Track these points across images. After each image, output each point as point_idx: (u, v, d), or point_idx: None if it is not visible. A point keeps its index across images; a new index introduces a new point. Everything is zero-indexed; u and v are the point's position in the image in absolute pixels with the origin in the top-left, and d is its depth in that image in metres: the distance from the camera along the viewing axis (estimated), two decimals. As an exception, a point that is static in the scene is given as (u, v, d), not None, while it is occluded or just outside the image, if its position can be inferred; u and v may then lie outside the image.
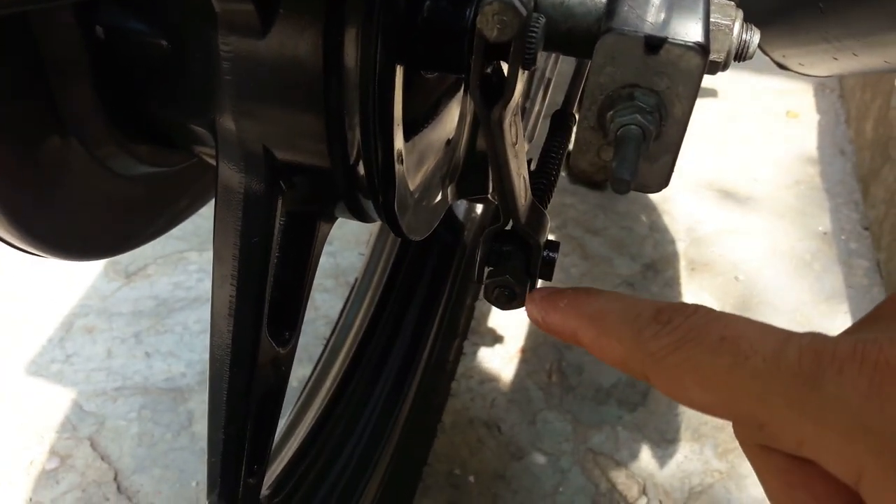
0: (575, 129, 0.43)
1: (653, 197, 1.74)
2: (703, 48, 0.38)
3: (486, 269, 0.47)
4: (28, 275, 1.44)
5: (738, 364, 0.30)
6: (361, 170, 0.45)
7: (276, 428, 0.57)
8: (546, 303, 0.41)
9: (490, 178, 0.65)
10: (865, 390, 0.27)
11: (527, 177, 0.46)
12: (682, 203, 1.73)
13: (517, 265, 0.46)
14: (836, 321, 1.44)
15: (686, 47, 0.37)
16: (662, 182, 0.42)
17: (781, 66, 0.91)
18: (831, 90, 2.29)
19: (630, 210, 1.70)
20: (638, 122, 0.38)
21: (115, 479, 1.11)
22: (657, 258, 1.58)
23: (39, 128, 0.46)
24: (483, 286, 0.46)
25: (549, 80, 0.81)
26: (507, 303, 0.45)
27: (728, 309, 1.43)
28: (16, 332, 1.33)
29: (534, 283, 0.46)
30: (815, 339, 0.30)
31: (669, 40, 0.37)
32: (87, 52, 0.44)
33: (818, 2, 0.65)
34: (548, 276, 0.47)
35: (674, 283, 1.51)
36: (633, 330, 0.34)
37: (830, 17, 0.65)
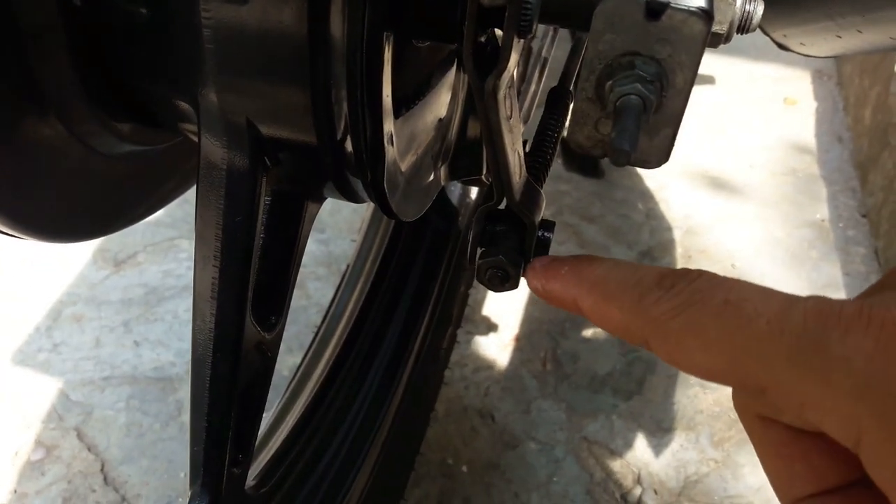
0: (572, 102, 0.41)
1: (649, 184, 1.73)
2: (706, 13, 0.36)
3: (479, 250, 0.45)
4: (15, 262, 1.42)
5: (741, 326, 0.29)
6: (349, 146, 0.43)
7: (262, 416, 0.55)
8: (547, 271, 0.40)
9: (484, 159, 0.63)
10: (871, 350, 0.26)
11: (521, 152, 0.45)
12: (678, 190, 1.72)
13: (511, 245, 0.44)
14: (833, 309, 1.43)
15: (689, 12, 0.35)
16: (662, 156, 0.40)
17: (782, 47, 0.89)
18: (829, 77, 2.28)
19: (626, 198, 1.68)
20: (638, 91, 0.36)
21: (102, 470, 1.09)
22: (654, 246, 1.56)
23: (15, 103, 0.43)
24: (475, 267, 0.44)
25: (546, 60, 0.79)
26: (500, 284, 0.44)
27: (724, 297, 1.42)
28: (2, 320, 1.31)
29: (527, 264, 0.45)
30: (821, 301, 0.29)
31: (672, 5, 0.35)
32: (62, 20, 0.42)
33: (822, -22, 0.64)
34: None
35: (670, 270, 1.50)
36: (634, 295, 0.33)
37: (835, -7, 0.63)
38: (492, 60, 0.38)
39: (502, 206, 0.45)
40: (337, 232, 1.55)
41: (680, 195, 1.70)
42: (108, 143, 0.51)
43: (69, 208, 0.53)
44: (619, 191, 1.71)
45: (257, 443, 0.54)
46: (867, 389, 0.26)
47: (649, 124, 0.38)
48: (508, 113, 0.41)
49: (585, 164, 1.74)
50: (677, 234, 1.60)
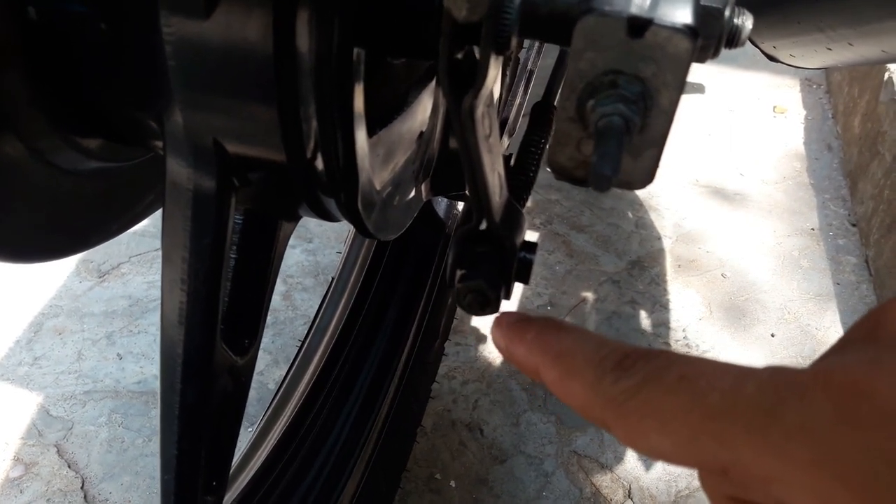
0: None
1: (639, 193, 1.71)
2: (692, 31, 0.34)
3: (458, 273, 0.43)
4: (-7, 274, 1.40)
5: (695, 402, 0.28)
6: (321, 165, 0.41)
7: (237, 441, 0.53)
8: (512, 332, 0.38)
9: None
10: (832, 416, 0.25)
11: (502, 172, 0.43)
12: (668, 199, 1.71)
13: (491, 268, 0.42)
14: (824, 318, 1.42)
15: (674, 30, 0.34)
16: (647, 178, 0.38)
17: (771, 59, 0.87)
18: (818, 85, 2.27)
19: (616, 206, 1.67)
20: (621, 112, 0.34)
21: (83, 487, 1.07)
22: (643, 255, 1.55)
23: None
24: (455, 291, 0.42)
25: (532, 72, 0.78)
26: (481, 309, 0.42)
27: (715, 307, 1.41)
28: (-19, 333, 1.29)
29: (508, 288, 0.43)
30: (776, 370, 0.28)
31: (655, 22, 0.34)
32: (18, 34, 0.40)
33: (812, -11, 0.62)
34: (524, 279, 0.44)
35: (660, 280, 1.48)
36: (595, 374, 0.32)
37: (825, 5, 0.62)
38: (469, 77, 0.37)
39: (482, 226, 0.43)
40: (325, 241, 1.53)
41: (670, 204, 1.69)
42: (73, 159, 0.49)
43: (34, 228, 0.51)
44: (608, 199, 1.70)
45: (238, 463, 0.52)
46: (830, 458, 0.24)
47: (633, 145, 0.37)
48: (487, 132, 0.40)
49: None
50: (667, 244, 1.58)
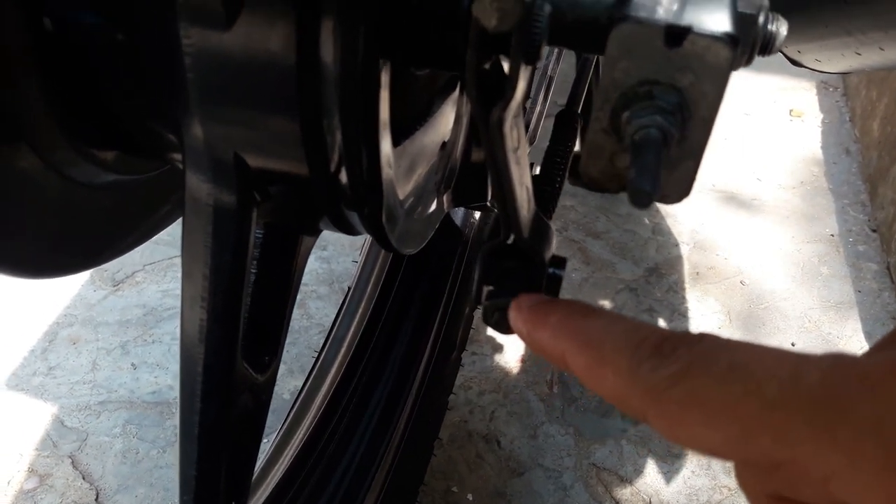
0: (583, 131, 0.38)
1: (655, 199, 1.70)
2: (732, 39, 0.33)
3: (485, 289, 0.42)
4: (9, 281, 1.39)
5: (749, 392, 0.26)
6: (344, 178, 0.40)
7: (256, 460, 0.52)
8: (534, 315, 0.36)
9: (489, 183, 0.60)
10: None
11: (530, 185, 0.41)
12: (684, 205, 1.69)
13: (519, 284, 0.41)
14: (845, 327, 1.40)
15: (713, 38, 0.32)
16: (683, 191, 0.37)
17: (795, 63, 0.86)
18: (834, 88, 2.25)
19: (632, 213, 1.65)
20: (658, 123, 0.33)
21: (97, 499, 1.06)
22: (660, 262, 1.53)
23: (-18, 133, 0.41)
24: (483, 309, 0.41)
25: (552, 78, 0.76)
26: (509, 328, 0.40)
27: (734, 315, 1.39)
28: (-4, 343, 1.29)
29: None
30: (838, 357, 0.25)
31: (694, 30, 0.32)
32: (34, 46, 0.39)
33: (842, -8, 0.61)
34: (554, 295, 0.42)
35: (678, 287, 1.46)
36: (631, 361, 0.29)
37: (856, 9, 0.60)
38: (497, 89, 0.35)
39: (509, 240, 0.42)
40: (339, 249, 1.52)
41: (686, 210, 1.67)
42: (89, 172, 0.48)
43: (48, 242, 0.50)
44: (624, 205, 1.68)
45: (255, 479, 0.51)
46: None
47: (669, 157, 0.35)
48: (515, 144, 0.38)
49: (575, 172, 1.71)
50: (685, 250, 1.56)
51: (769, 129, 2.03)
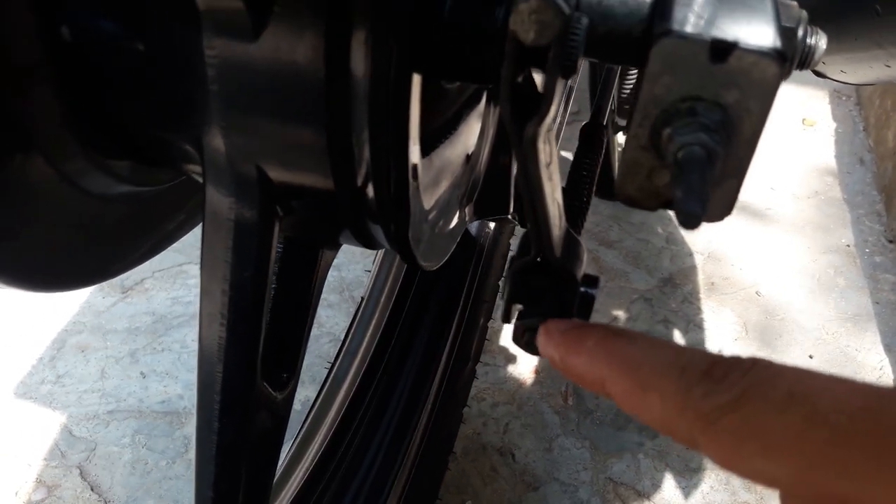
0: (621, 147, 0.37)
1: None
2: (780, 55, 0.31)
3: (516, 309, 0.40)
4: (15, 292, 1.38)
5: (814, 424, 0.24)
6: (371, 192, 0.39)
7: (273, 480, 0.51)
8: (567, 340, 0.34)
9: (510, 195, 0.59)
10: None
11: (561, 202, 0.40)
12: (699, 214, 1.67)
13: (551, 304, 0.39)
14: (863, 340, 1.38)
15: (761, 53, 0.31)
16: (725, 210, 0.36)
17: (819, 74, 0.84)
18: (847, 97, 2.23)
19: (645, 221, 1.64)
20: (702, 141, 0.31)
21: (106, 510, 1.04)
22: (675, 272, 1.51)
23: (-3, 143, 0.39)
24: (513, 329, 0.39)
25: (572, 89, 0.75)
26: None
27: (750, 327, 1.37)
28: (4, 350, 1.27)
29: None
30: None
31: (741, 45, 0.31)
32: (50, 55, 0.38)
33: (875, 4, 0.59)
34: (585, 316, 0.41)
35: (693, 298, 1.45)
36: (679, 385, 0.28)
37: (889, 21, 0.59)
38: (530, 103, 0.34)
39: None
40: (350, 257, 1.50)
41: (701, 219, 1.65)
42: (103, 183, 0.47)
43: (59, 255, 0.49)
44: (636, 214, 1.67)
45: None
46: None
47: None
48: (548, 160, 0.37)
49: (602, 186, 1.70)
50: (699, 260, 1.55)
51: (782, 139, 2.01)
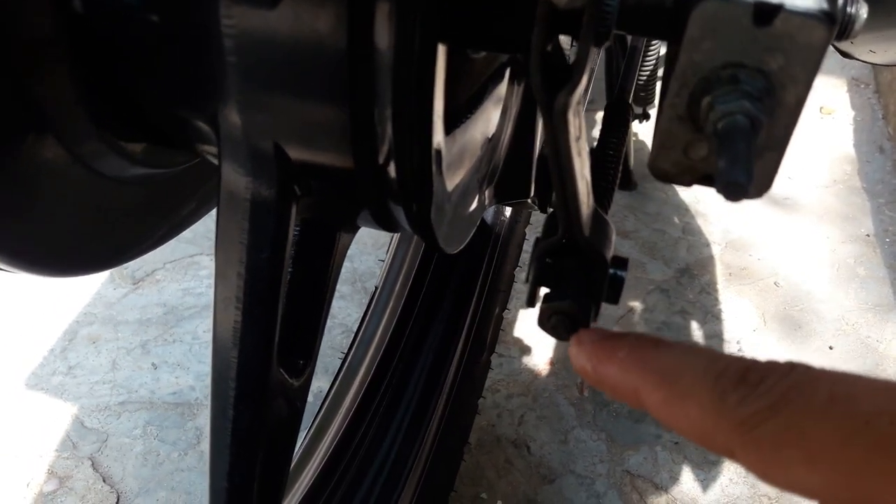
0: (655, 120, 0.35)
1: (684, 197, 1.66)
2: (829, 17, 0.30)
3: (541, 292, 0.39)
4: (29, 280, 1.38)
5: (857, 430, 0.23)
6: (392, 172, 0.37)
7: (289, 469, 0.49)
8: (599, 350, 0.33)
9: (531, 179, 0.57)
10: None
11: (589, 179, 0.38)
12: (714, 204, 1.65)
13: (578, 286, 0.38)
14: (885, 331, 1.35)
15: (808, 15, 0.29)
16: (765, 185, 0.34)
17: (844, 54, 0.82)
18: (866, 85, 2.20)
19: (661, 211, 1.62)
20: (745, 109, 0.30)
21: (118, 502, 1.03)
22: (692, 262, 1.49)
23: (8, 123, 0.38)
24: (539, 312, 0.38)
25: (593, 70, 0.73)
26: (568, 332, 0.37)
27: (769, 317, 1.35)
28: (16, 341, 1.27)
29: (598, 308, 0.38)
30: None
31: (787, 7, 0.29)
32: (62, 28, 0.37)
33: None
34: (614, 300, 0.39)
35: (711, 288, 1.42)
36: (714, 392, 0.27)
37: (926, -4, 0.57)
38: (560, 73, 0.32)
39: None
40: (362, 247, 1.49)
41: (717, 209, 1.63)
42: (117, 165, 0.46)
43: (74, 238, 0.48)
44: (652, 204, 1.64)
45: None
46: None
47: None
48: (577, 133, 0.35)
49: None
50: (716, 251, 1.53)
51: (800, 127, 1.98)
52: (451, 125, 0.41)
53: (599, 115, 1.96)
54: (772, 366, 0.27)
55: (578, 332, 0.35)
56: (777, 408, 0.25)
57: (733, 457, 0.26)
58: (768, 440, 0.25)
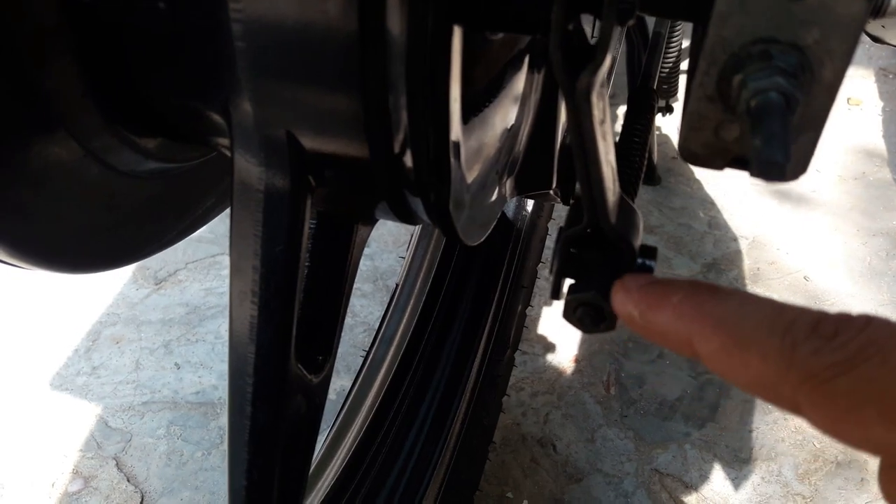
0: (685, 101, 0.33)
1: (710, 191, 1.63)
2: (868, -14, 0.28)
3: (566, 283, 0.37)
4: (52, 280, 1.38)
5: None
6: (409, 161, 0.36)
7: (309, 468, 0.48)
8: (649, 295, 0.31)
9: (553, 170, 0.56)
10: None
11: (615, 164, 0.37)
12: (740, 198, 1.62)
13: (605, 277, 0.36)
14: (918, 324, 1.32)
15: (845, -15, 0.28)
16: (801, 167, 0.32)
17: (875, 39, 0.80)
18: (893, 75, 2.16)
19: (686, 206, 1.59)
20: (779, 86, 0.28)
21: (142, 502, 1.03)
22: (719, 257, 1.46)
23: (16, 118, 0.37)
24: (564, 304, 0.36)
25: (614, 59, 0.72)
26: (594, 324, 0.36)
27: (798, 312, 1.32)
28: (40, 342, 1.27)
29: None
30: None
31: (823, -23, 0.28)
32: (69, 20, 0.36)
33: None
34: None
35: (738, 284, 1.40)
36: (784, 343, 0.25)
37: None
38: (582, 54, 0.31)
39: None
40: (383, 245, 1.48)
41: (743, 203, 1.61)
42: (131, 160, 0.45)
43: (89, 235, 0.47)
44: (677, 198, 1.62)
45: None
46: None
47: (786, 128, 0.31)
48: (602, 116, 0.34)
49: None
50: (743, 245, 1.50)
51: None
52: (469, 112, 0.40)
53: (621, 111, 1.93)
54: (846, 318, 0.25)
55: (623, 278, 0.34)
56: (854, 362, 0.24)
57: (798, 410, 0.25)
58: (844, 396, 0.23)
